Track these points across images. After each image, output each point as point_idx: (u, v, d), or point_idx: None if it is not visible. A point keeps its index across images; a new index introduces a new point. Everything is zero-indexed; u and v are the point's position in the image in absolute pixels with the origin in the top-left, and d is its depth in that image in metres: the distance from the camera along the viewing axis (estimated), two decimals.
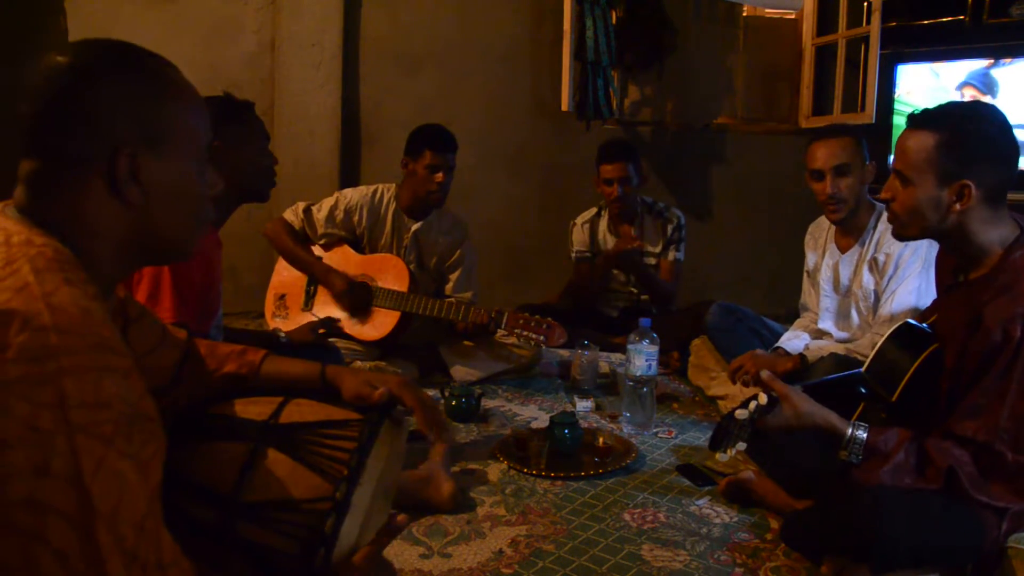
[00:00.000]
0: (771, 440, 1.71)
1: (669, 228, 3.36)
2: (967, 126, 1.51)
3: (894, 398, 1.61)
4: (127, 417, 0.71)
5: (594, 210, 3.47)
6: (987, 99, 3.45)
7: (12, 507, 0.65)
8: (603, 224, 3.42)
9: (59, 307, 0.71)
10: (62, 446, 0.66)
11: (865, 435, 1.51)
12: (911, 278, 2.31)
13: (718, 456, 1.63)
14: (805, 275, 2.68)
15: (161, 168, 0.86)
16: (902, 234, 1.62)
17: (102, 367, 0.71)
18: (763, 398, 1.55)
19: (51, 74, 0.83)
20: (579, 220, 3.48)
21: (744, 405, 1.55)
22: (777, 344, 2.55)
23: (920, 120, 1.55)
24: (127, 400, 0.72)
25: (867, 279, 2.41)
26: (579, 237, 3.45)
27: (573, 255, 3.48)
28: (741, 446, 1.56)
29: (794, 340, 2.53)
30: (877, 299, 2.40)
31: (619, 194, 3.23)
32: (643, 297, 3.43)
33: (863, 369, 1.71)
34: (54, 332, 0.69)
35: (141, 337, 1.07)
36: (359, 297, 2.85)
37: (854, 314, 2.47)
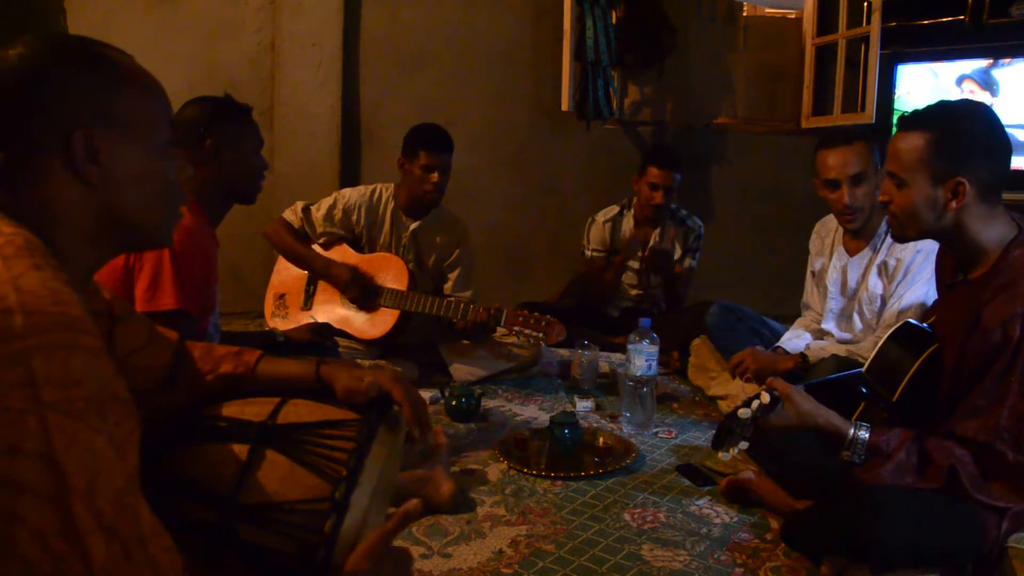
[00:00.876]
0: (772, 440, 1.71)
1: (690, 237, 3.38)
2: (956, 124, 1.52)
3: (895, 398, 1.61)
4: (98, 395, 0.71)
5: (616, 208, 3.46)
6: (986, 95, 3.45)
7: None
8: (626, 223, 3.42)
9: (26, 289, 0.71)
10: (33, 424, 0.66)
11: (867, 435, 1.51)
12: (919, 284, 2.29)
13: (720, 455, 1.63)
14: (809, 275, 2.67)
15: (122, 150, 0.87)
16: (901, 235, 1.62)
17: (71, 345, 0.71)
18: (765, 397, 1.55)
19: (2, 67, 0.84)
20: (600, 217, 3.47)
21: (747, 404, 1.55)
22: (777, 344, 2.55)
23: (910, 121, 1.56)
24: (97, 378, 0.72)
25: (875, 283, 2.40)
26: (598, 235, 3.45)
27: (588, 252, 3.47)
28: (743, 445, 1.56)
29: (795, 340, 2.53)
30: (883, 303, 2.39)
31: (661, 202, 3.25)
32: (645, 298, 3.43)
33: (864, 369, 1.71)
34: (20, 313, 0.69)
35: (128, 336, 1.08)
36: (366, 286, 2.84)
37: (856, 317, 2.47)
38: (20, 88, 0.83)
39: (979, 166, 1.50)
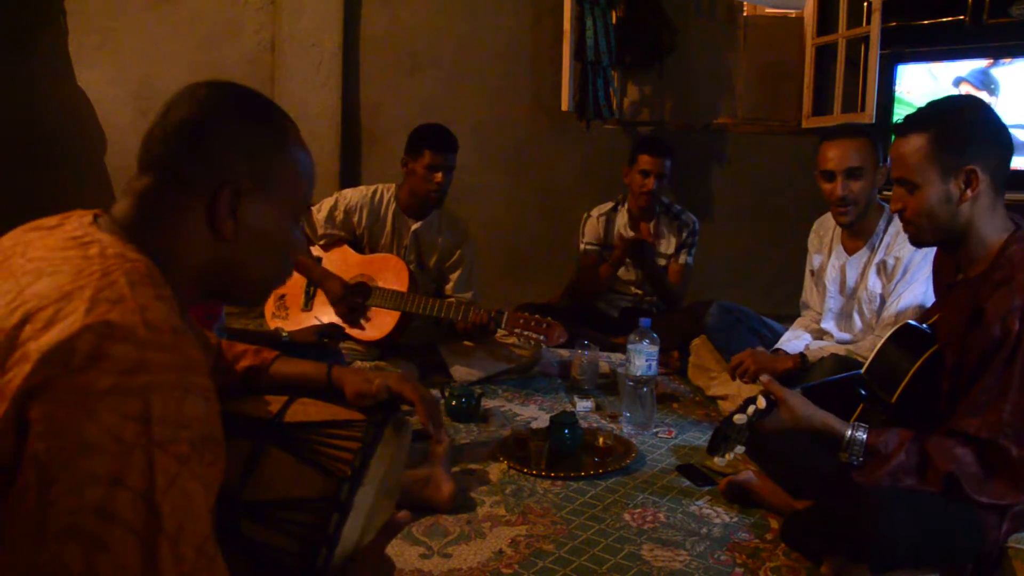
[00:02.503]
0: (771, 441, 1.72)
1: (684, 232, 3.37)
2: (953, 116, 1.53)
3: (893, 399, 1.61)
4: (203, 439, 0.73)
5: (611, 204, 3.46)
6: (983, 95, 3.44)
7: (83, 512, 0.66)
8: (620, 218, 3.42)
9: (153, 323, 0.72)
10: (140, 460, 0.68)
11: (865, 436, 1.51)
12: (918, 283, 2.29)
13: (716, 460, 1.64)
14: (808, 274, 2.67)
15: (260, 211, 0.90)
16: (921, 240, 1.62)
17: (187, 386, 0.72)
18: (761, 402, 1.55)
19: (186, 102, 0.87)
20: (595, 212, 3.47)
21: (742, 410, 1.56)
22: (777, 345, 2.55)
23: (906, 126, 1.56)
24: (205, 422, 0.74)
25: (873, 282, 2.40)
26: (592, 229, 3.45)
27: (582, 246, 3.47)
28: (739, 450, 1.56)
29: (794, 341, 2.53)
30: (882, 302, 2.39)
31: (653, 187, 3.25)
32: (647, 298, 3.43)
33: (863, 370, 1.71)
34: (148, 347, 0.71)
35: None
36: (354, 304, 2.84)
37: (856, 317, 2.47)
38: (197, 125, 0.86)
39: (987, 152, 1.50)
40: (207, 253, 0.88)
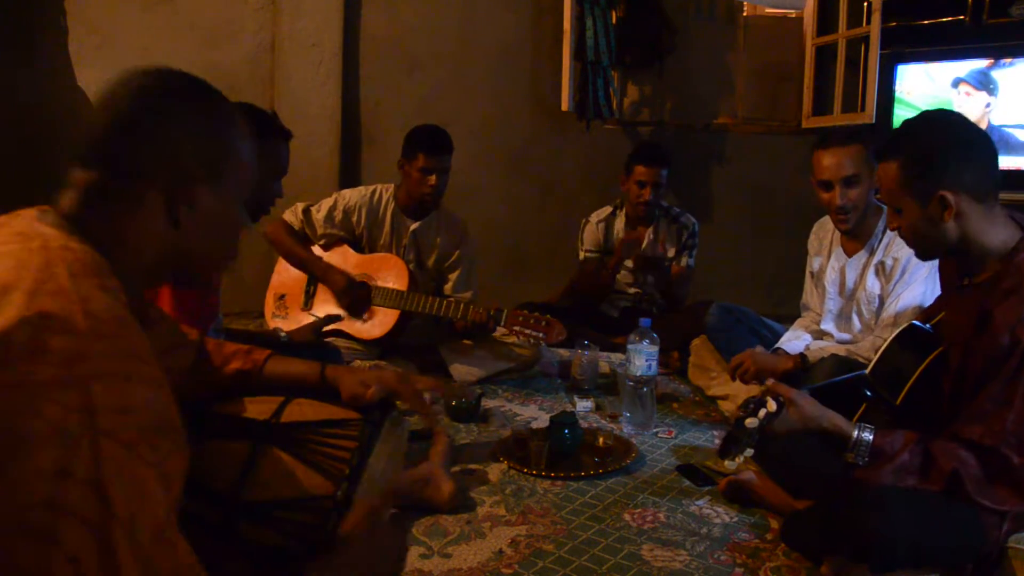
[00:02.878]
0: (775, 442, 1.71)
1: (684, 234, 3.38)
2: (920, 141, 1.54)
3: (898, 401, 1.61)
4: (153, 426, 0.72)
5: (609, 209, 3.47)
6: (982, 96, 3.44)
7: (32, 508, 0.65)
8: (619, 223, 3.42)
9: (94, 313, 0.72)
10: (86, 449, 0.67)
11: (871, 437, 1.51)
12: (917, 284, 2.30)
13: (727, 464, 1.64)
14: (808, 275, 2.67)
15: (214, 198, 0.90)
16: (923, 255, 1.65)
17: (131, 374, 0.72)
18: (772, 405, 1.55)
19: (128, 92, 0.86)
20: (593, 218, 3.47)
21: (754, 413, 1.55)
22: (777, 345, 2.55)
23: (884, 150, 1.59)
24: (154, 409, 0.73)
25: (872, 283, 2.40)
26: (592, 236, 3.45)
27: (583, 254, 3.48)
28: (749, 452, 1.56)
29: (794, 341, 2.53)
30: (881, 303, 2.39)
31: (650, 198, 3.25)
32: (646, 298, 3.43)
33: (867, 371, 1.71)
34: (88, 337, 0.70)
35: (157, 341, 1.08)
36: (359, 295, 2.84)
37: (855, 317, 2.47)
38: (146, 116, 0.85)
39: (957, 172, 1.50)
40: (160, 242, 0.88)
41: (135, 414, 0.70)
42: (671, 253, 3.38)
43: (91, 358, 0.69)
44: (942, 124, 1.56)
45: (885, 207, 2.42)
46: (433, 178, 2.83)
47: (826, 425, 1.55)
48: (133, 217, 0.85)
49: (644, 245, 3.33)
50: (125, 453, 0.69)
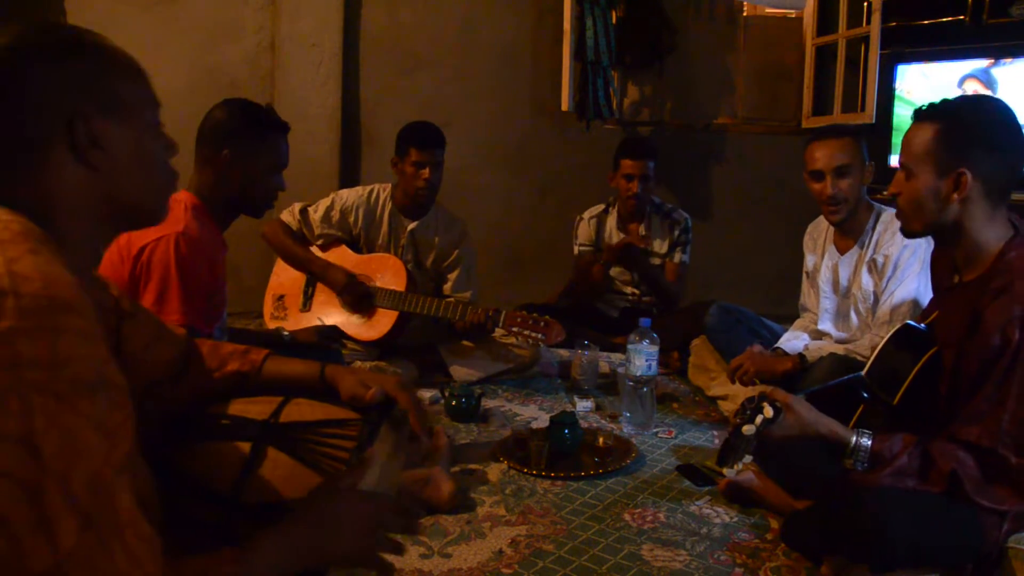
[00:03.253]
0: (774, 444, 1.71)
1: (676, 230, 3.37)
2: (965, 116, 1.53)
3: (895, 401, 1.61)
4: (88, 379, 0.71)
5: (601, 206, 3.47)
6: (987, 94, 3.44)
7: None
8: (611, 221, 3.43)
9: (19, 273, 0.71)
10: (15, 405, 0.66)
11: (869, 442, 1.51)
12: (909, 279, 2.31)
13: (725, 471, 1.64)
14: (804, 276, 2.68)
15: (119, 133, 0.88)
16: (908, 229, 1.64)
17: (58, 327, 0.70)
18: (768, 411, 1.55)
19: None
20: (586, 215, 3.48)
21: (750, 420, 1.55)
22: (776, 345, 2.55)
23: (924, 113, 1.57)
24: (86, 361, 0.71)
25: (866, 280, 2.41)
26: (584, 232, 3.45)
27: (576, 248, 3.48)
28: (747, 459, 1.56)
29: (793, 341, 2.53)
30: (876, 300, 2.40)
31: (638, 191, 3.25)
32: (644, 298, 3.43)
33: (864, 372, 1.71)
34: (11, 295, 0.69)
35: (136, 332, 1.08)
36: (360, 291, 2.84)
37: (853, 315, 2.47)
38: (10, 80, 0.83)
39: (982, 158, 1.50)
40: (90, 192, 0.87)
41: (66, 367, 0.69)
42: (663, 250, 3.37)
43: (15, 315, 0.68)
44: (990, 110, 1.55)
45: (876, 205, 2.43)
46: (427, 171, 2.83)
47: (823, 431, 1.54)
48: (50, 177, 0.84)
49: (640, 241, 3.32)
50: (55, 404, 0.67)
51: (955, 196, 1.50)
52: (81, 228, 0.87)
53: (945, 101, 1.57)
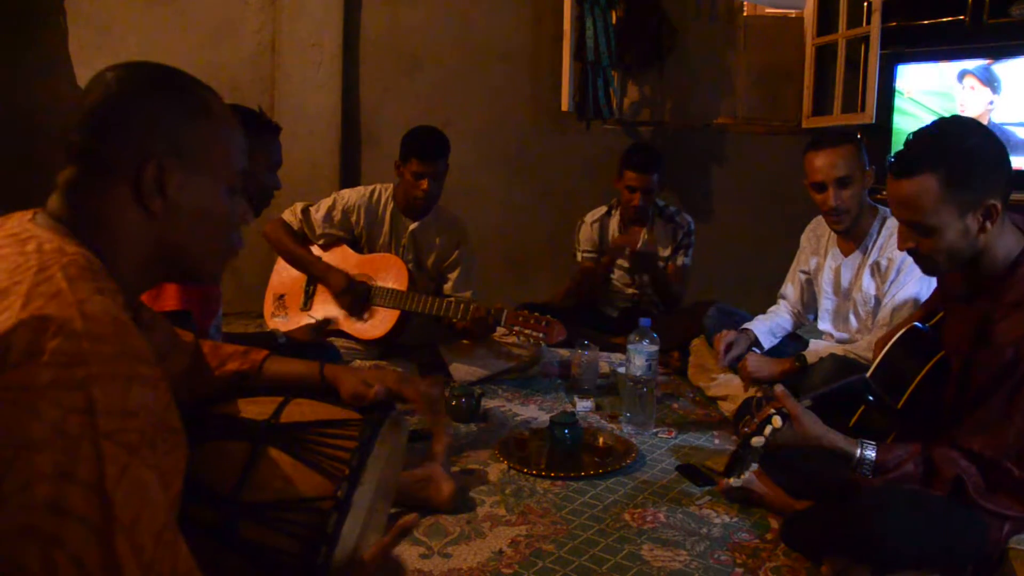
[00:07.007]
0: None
1: (679, 233, 3.37)
2: (960, 152, 1.45)
3: (900, 405, 1.61)
4: (153, 427, 0.72)
5: (604, 209, 3.47)
6: (986, 91, 3.43)
7: (34, 510, 0.65)
8: (613, 223, 3.42)
9: (91, 315, 0.71)
10: (88, 452, 0.67)
11: (874, 454, 1.50)
12: (912, 283, 2.30)
13: (731, 481, 1.64)
14: (793, 269, 2.71)
15: (189, 184, 0.88)
16: (936, 272, 1.61)
17: (131, 376, 0.71)
18: (777, 422, 1.54)
19: (97, 87, 0.85)
20: (588, 218, 3.47)
21: (759, 431, 1.55)
22: (745, 326, 2.62)
23: (908, 166, 1.48)
24: (153, 410, 0.73)
25: (868, 283, 2.41)
26: (587, 235, 3.45)
27: (579, 254, 3.47)
28: (754, 467, 1.56)
29: (757, 323, 2.62)
30: (877, 303, 2.40)
31: (640, 204, 3.24)
32: (644, 299, 3.43)
33: (868, 374, 1.70)
34: (86, 339, 0.69)
35: (155, 345, 1.08)
36: (359, 295, 2.84)
37: (852, 317, 2.48)
38: (108, 107, 0.84)
39: (998, 179, 1.46)
40: (146, 237, 0.87)
41: (136, 417, 0.70)
42: (666, 252, 3.37)
43: (89, 360, 0.69)
44: (973, 130, 1.48)
45: (879, 208, 2.43)
46: (425, 183, 2.83)
47: (826, 444, 1.54)
48: (112, 212, 0.84)
49: (639, 245, 3.32)
50: (127, 455, 0.69)
51: (988, 226, 1.45)
52: (132, 267, 0.87)
53: (926, 145, 1.48)
